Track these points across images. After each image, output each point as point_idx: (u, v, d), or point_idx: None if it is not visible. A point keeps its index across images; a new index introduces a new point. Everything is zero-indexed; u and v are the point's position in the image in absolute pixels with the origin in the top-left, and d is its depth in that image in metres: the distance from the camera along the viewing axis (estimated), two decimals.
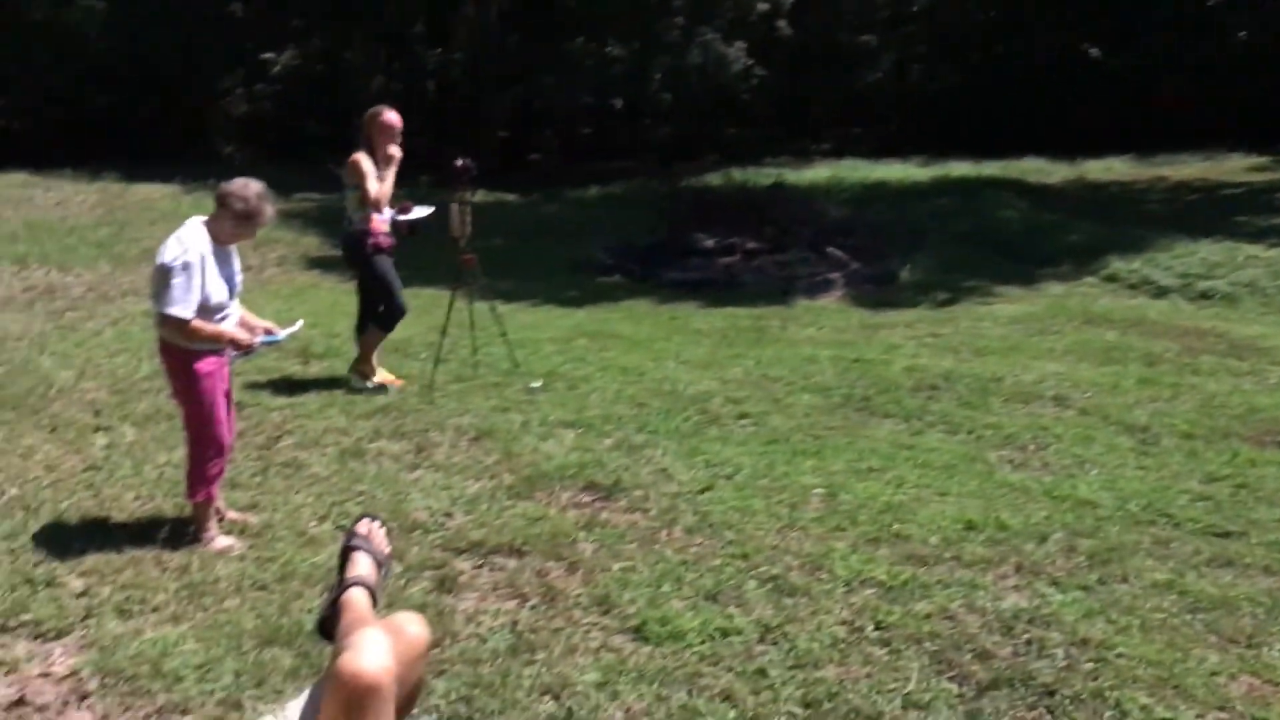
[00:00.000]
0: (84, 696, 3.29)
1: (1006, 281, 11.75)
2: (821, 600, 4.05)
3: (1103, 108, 22.46)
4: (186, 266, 4.14)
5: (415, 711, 3.05)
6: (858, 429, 6.39)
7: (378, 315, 6.85)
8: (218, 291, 4.27)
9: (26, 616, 3.72)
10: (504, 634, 3.74)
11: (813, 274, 12.12)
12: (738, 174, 18.20)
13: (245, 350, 4.45)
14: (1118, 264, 12.17)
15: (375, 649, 2.27)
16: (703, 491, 5.23)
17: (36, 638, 3.64)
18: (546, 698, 3.33)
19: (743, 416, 6.68)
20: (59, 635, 3.65)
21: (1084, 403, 6.90)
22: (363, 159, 6.51)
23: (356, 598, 2.65)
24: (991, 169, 19.43)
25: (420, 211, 6.90)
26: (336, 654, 2.34)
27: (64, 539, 4.38)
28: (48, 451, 5.50)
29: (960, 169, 19.75)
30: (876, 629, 3.83)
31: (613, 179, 20.97)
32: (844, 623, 3.89)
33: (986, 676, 3.53)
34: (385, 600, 3.24)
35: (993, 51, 24.58)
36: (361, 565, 2.74)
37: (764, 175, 17.78)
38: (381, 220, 6.68)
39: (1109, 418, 6.59)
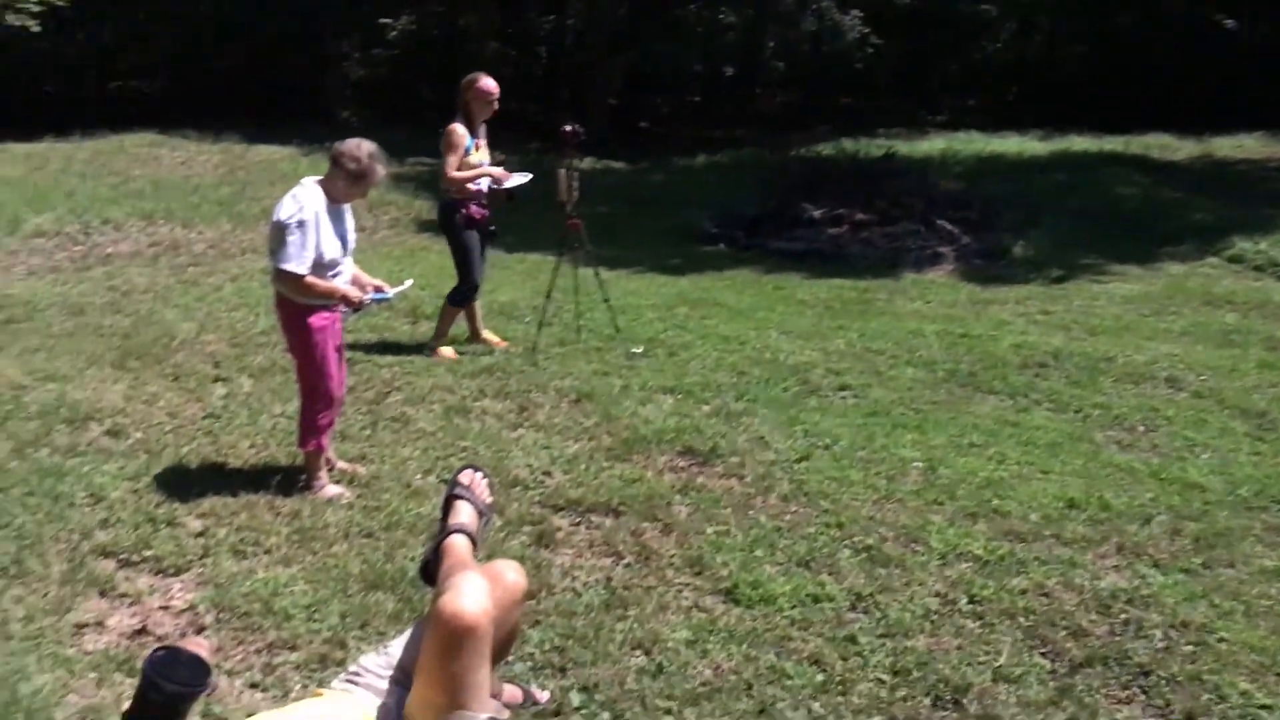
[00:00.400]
0: (200, 629, 3.47)
1: (1123, 260, 11.38)
2: (915, 572, 4.05)
3: (1236, 81, 21.50)
4: (302, 224, 4.29)
5: (510, 658, 3.15)
6: (961, 404, 6.31)
7: (453, 290, 6.91)
8: (331, 248, 4.41)
9: (149, 552, 3.93)
10: (598, 589, 3.83)
11: (922, 247, 11.91)
12: (849, 145, 17.94)
13: (357, 307, 4.59)
14: (1243, 244, 11.67)
15: (475, 592, 2.36)
16: (800, 460, 5.25)
17: (158, 573, 3.84)
18: (638, 652, 3.40)
19: (844, 388, 6.65)
20: (178, 571, 3.85)
21: (1198, 385, 6.70)
22: (456, 129, 6.53)
23: (458, 544, 2.75)
24: (1113, 144, 18.80)
25: (518, 179, 6.90)
26: (437, 596, 2.44)
27: (184, 482, 4.60)
28: (170, 399, 5.76)
29: (1080, 143, 19.16)
30: (970, 602, 3.82)
31: (722, 147, 20.87)
32: (937, 595, 3.88)
33: (1081, 654, 3.49)
34: (485, 550, 3.35)
35: (1119, 21, 23.67)
36: (463, 513, 2.84)
37: (876, 146, 17.47)
38: (475, 189, 6.70)
39: (1224, 401, 6.39)
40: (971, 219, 12.79)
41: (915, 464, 5.22)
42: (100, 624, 3.45)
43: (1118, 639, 3.59)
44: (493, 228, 6.94)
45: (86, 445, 4.99)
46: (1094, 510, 4.65)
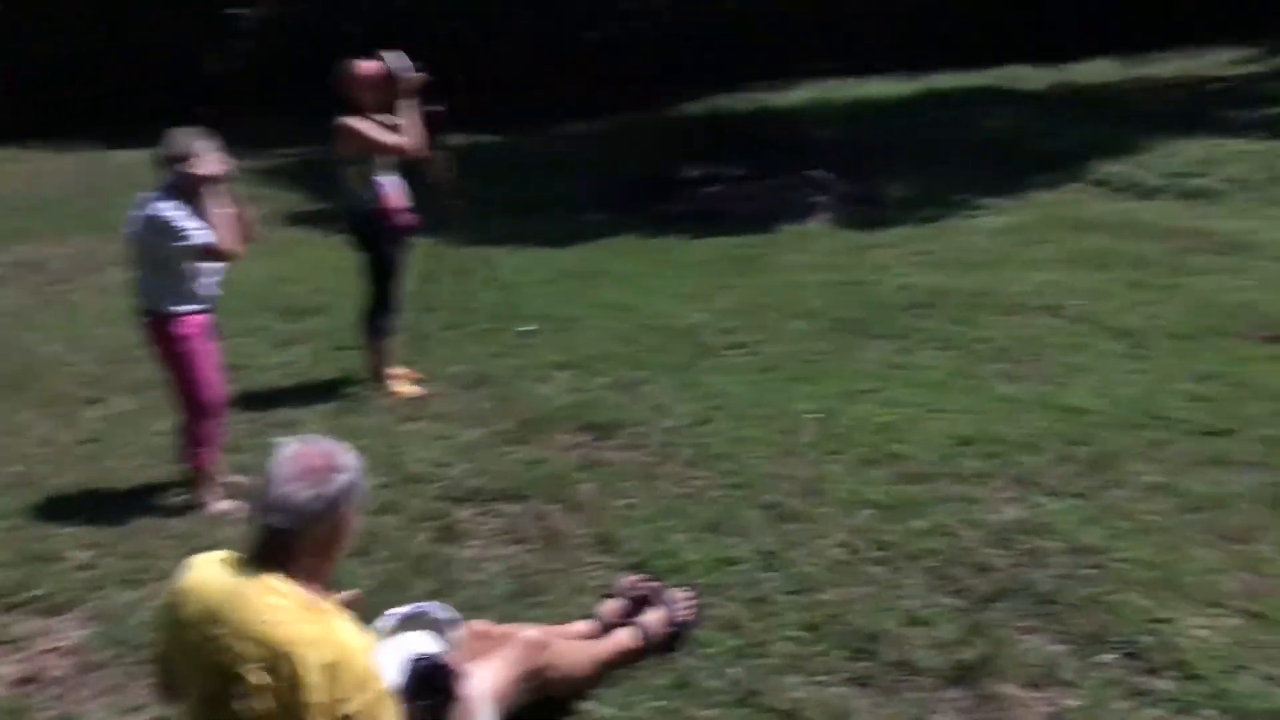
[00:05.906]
0: (96, 668, 3.32)
1: (994, 193, 11.62)
2: (820, 524, 4.09)
3: (1085, 7, 22.07)
4: (176, 213, 4.29)
5: None
6: (849, 351, 6.40)
7: (374, 320, 5.91)
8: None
9: (34, 593, 3.75)
10: (507, 580, 3.78)
11: (798, 199, 12.01)
12: (722, 101, 18.02)
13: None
14: (1106, 167, 12.02)
15: None
16: (700, 424, 5.26)
17: (43, 613, 3.67)
18: None
19: (735, 346, 6.69)
20: (66, 609, 3.68)
21: (1075, 311, 6.89)
22: (354, 121, 5.53)
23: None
24: (976, 79, 19.19)
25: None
26: None
27: (65, 513, 4.41)
28: (41, 427, 5.51)
29: (944, 81, 19.50)
30: (876, 549, 3.87)
31: (596, 115, 20.72)
32: (843, 545, 3.93)
33: (987, 589, 3.57)
34: (386, 553, 3.28)
35: None
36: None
37: (748, 101, 17.59)
38: (398, 196, 5.77)
39: (1100, 324, 6.58)
40: (844, 166, 12.96)
41: (811, 416, 5.27)
42: None
43: (1021, 570, 3.68)
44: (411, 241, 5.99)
45: None
46: (987, 444, 4.75)
